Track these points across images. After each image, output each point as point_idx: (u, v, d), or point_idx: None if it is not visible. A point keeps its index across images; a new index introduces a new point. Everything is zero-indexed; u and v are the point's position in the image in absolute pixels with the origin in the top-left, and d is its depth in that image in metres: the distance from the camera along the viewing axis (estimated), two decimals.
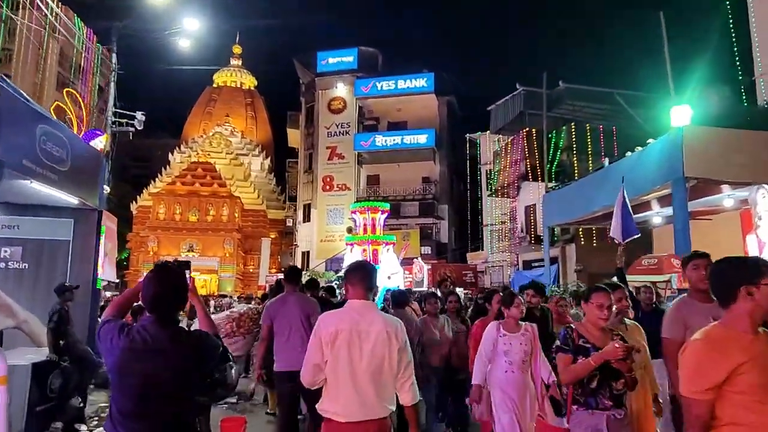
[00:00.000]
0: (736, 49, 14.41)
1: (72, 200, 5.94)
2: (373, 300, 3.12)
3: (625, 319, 4.04)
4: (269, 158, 46.98)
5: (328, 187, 33.83)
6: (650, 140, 9.60)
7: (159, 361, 2.20)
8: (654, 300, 5.89)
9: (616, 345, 2.94)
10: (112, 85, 11.52)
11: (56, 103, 7.88)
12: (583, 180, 13.27)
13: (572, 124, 20.44)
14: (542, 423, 3.88)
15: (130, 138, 11.75)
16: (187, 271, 2.58)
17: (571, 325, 3.31)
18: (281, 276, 6.38)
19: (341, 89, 34.50)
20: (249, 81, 55.28)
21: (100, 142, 8.53)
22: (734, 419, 1.86)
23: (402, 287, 20.16)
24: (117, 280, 12.20)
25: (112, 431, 2.21)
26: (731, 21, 13.92)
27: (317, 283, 7.44)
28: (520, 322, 4.30)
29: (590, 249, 18.99)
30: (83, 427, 5.78)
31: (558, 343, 3.20)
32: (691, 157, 8.31)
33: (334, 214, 33.16)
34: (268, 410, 7.38)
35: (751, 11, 12.82)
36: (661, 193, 9.96)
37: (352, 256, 21.14)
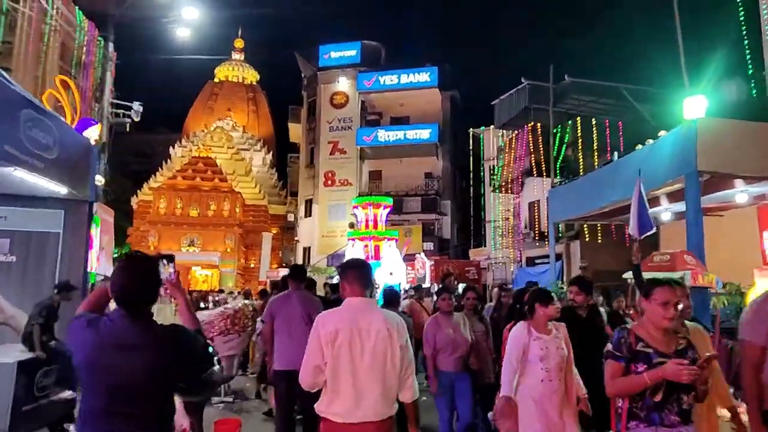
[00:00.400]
0: (746, 42, 14.13)
1: (61, 190, 5.68)
2: (372, 297, 3.01)
3: (686, 321, 3.50)
4: (271, 153, 46.73)
5: (329, 183, 33.56)
6: (662, 132, 9.31)
7: (128, 358, 2.02)
8: None
9: (680, 367, 2.46)
10: (109, 74, 11.24)
11: (50, 91, 7.60)
12: (591, 174, 12.98)
13: (578, 118, 20.15)
14: None
15: (127, 129, 11.51)
16: (171, 264, 2.41)
17: (627, 325, 2.80)
18: (286, 272, 6.30)
19: (343, 83, 34.18)
20: (251, 75, 55.00)
21: (94, 132, 8.29)
22: None
23: (404, 283, 19.95)
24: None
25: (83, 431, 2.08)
26: (742, 14, 13.62)
27: (314, 283, 7.29)
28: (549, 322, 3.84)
29: (595, 246, 18.74)
30: (71, 427, 5.55)
31: (609, 347, 2.72)
32: (705, 151, 8.02)
33: (335, 209, 32.89)
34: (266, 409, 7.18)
35: (763, 6, 12.51)
36: (670, 188, 9.68)
37: (354, 251, 20.91)
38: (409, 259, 21.77)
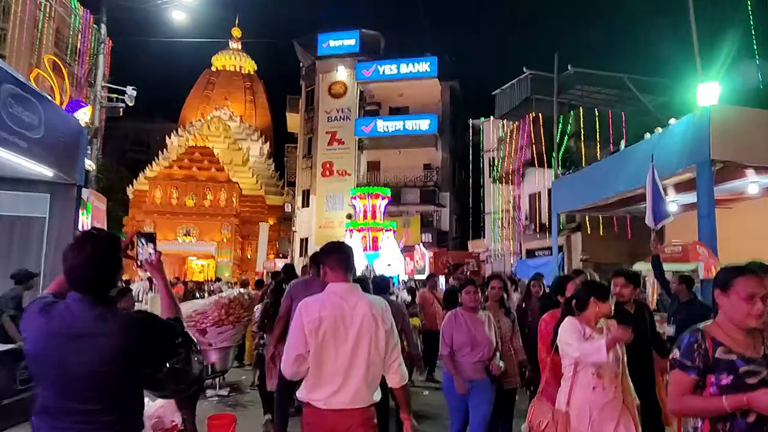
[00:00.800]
0: (753, 33, 13.84)
1: (46, 172, 5.38)
2: (355, 282, 2.91)
3: None
4: (268, 143, 46.32)
5: (327, 173, 33.23)
6: (672, 120, 9.02)
7: (81, 348, 1.77)
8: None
9: None
10: (101, 58, 10.88)
11: (36, 71, 7.27)
12: (597, 164, 12.70)
13: (580, 109, 19.86)
14: None
15: (121, 114, 11.17)
16: (150, 244, 2.15)
17: (700, 326, 2.20)
18: (284, 263, 6.24)
19: (342, 73, 33.77)
20: (248, 65, 54.45)
21: (85, 114, 7.97)
22: None
23: (403, 275, 19.74)
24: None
25: (38, 429, 1.84)
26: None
27: (292, 268, 7.11)
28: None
29: (597, 238, 18.54)
30: None
31: (676, 354, 2.17)
32: (719, 139, 7.75)
33: (333, 200, 32.59)
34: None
35: None
36: (679, 178, 9.41)
37: (352, 242, 20.69)
38: (407, 250, 21.57)
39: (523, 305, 6.57)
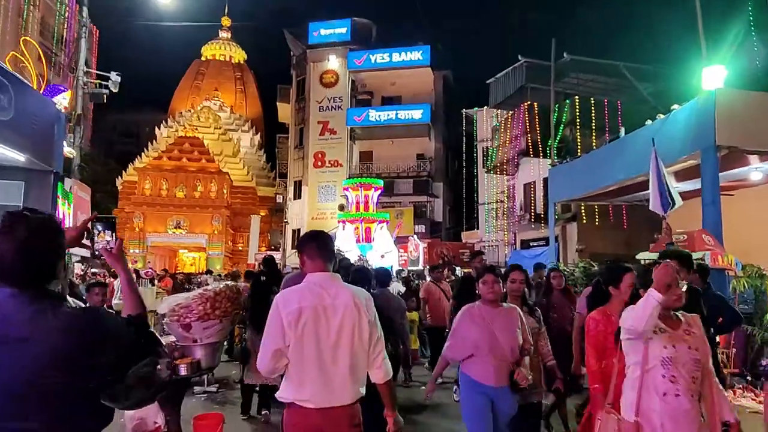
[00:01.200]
0: (752, 18, 13.61)
1: (18, 157, 5.03)
2: (335, 272, 2.79)
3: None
4: (259, 134, 45.81)
5: (319, 164, 32.86)
6: (675, 106, 8.77)
7: (16, 354, 1.45)
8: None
9: None
10: (83, 41, 10.45)
11: (12, 53, 6.89)
12: (595, 152, 12.48)
13: (576, 98, 19.60)
14: None
15: (105, 101, 10.78)
16: (108, 231, 1.85)
17: None
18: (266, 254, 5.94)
19: (333, 62, 33.31)
20: (238, 54, 53.75)
21: (64, 99, 7.60)
22: None
23: (396, 266, 19.47)
24: (89, 254, 11.32)
25: None
26: None
27: (273, 261, 6.92)
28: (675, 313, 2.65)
29: (592, 228, 18.34)
30: None
31: None
32: (724, 124, 7.52)
33: (325, 191, 32.27)
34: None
35: None
36: (681, 166, 9.18)
37: (345, 234, 20.40)
38: (401, 241, 21.33)
39: (544, 301, 5.82)
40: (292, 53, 36.18)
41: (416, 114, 31.20)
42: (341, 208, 26.55)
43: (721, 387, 2.73)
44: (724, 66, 7.90)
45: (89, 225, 1.89)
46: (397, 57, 31.83)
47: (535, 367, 3.91)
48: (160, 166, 35.57)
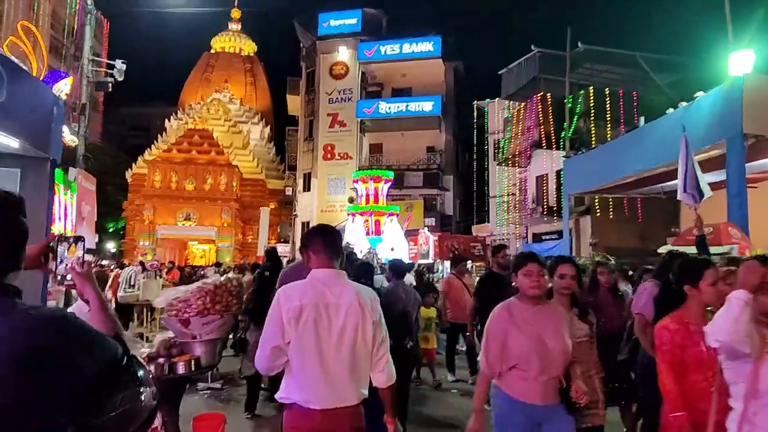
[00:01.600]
0: None
1: (12, 143, 4.80)
2: (341, 268, 2.64)
3: None
4: (269, 126, 45.64)
5: (329, 156, 32.60)
6: (699, 93, 8.41)
7: None
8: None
9: None
10: (87, 28, 10.24)
11: (11, 39, 6.68)
12: (612, 143, 12.12)
13: (590, 88, 19.17)
14: None
15: (109, 89, 10.59)
16: (80, 245, 1.60)
17: None
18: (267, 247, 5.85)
19: (343, 53, 32.97)
20: (248, 46, 53.54)
21: (66, 85, 7.40)
22: None
23: (406, 260, 19.21)
24: (94, 246, 11.18)
25: None
26: None
27: (275, 252, 6.79)
28: None
29: (606, 221, 17.95)
30: None
31: None
32: (752, 111, 7.16)
33: (335, 183, 32.03)
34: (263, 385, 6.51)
35: None
36: (703, 156, 8.81)
37: (354, 226, 20.16)
38: (410, 234, 21.05)
39: (590, 300, 4.79)
40: (301, 45, 35.89)
41: (427, 106, 30.82)
42: (351, 200, 26.31)
43: None
44: (753, 51, 7.52)
45: (53, 244, 1.61)
46: (407, 48, 31.44)
47: (589, 382, 3.16)
48: (170, 159, 35.48)
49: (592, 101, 19.15)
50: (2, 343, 1.15)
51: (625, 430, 4.79)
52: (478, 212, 31.13)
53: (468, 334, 5.91)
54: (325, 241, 2.59)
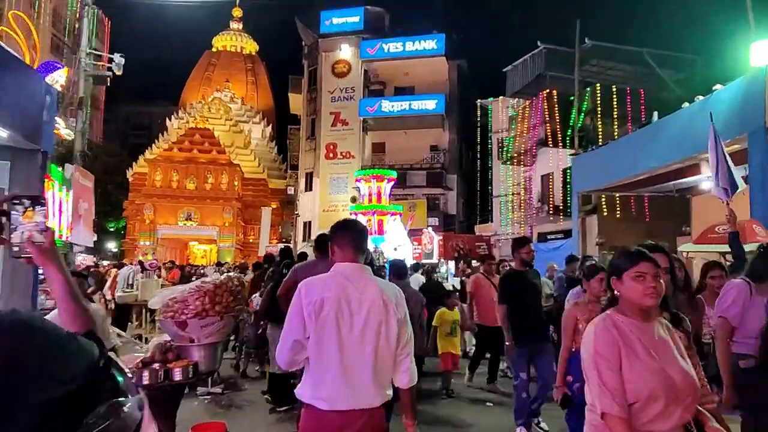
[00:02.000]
0: None
1: (0, 133, 4.52)
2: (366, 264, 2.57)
3: None
4: (270, 126, 45.42)
5: (331, 155, 32.30)
6: (717, 86, 8.11)
7: None
8: None
9: None
10: (85, 21, 9.96)
11: (2, 28, 6.40)
12: (623, 139, 11.83)
13: (597, 86, 18.88)
14: None
15: (108, 84, 10.32)
16: (39, 210, 1.28)
17: None
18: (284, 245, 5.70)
19: (346, 51, 32.68)
20: (250, 45, 53.35)
21: (60, 76, 7.13)
22: None
23: (410, 259, 18.93)
24: (92, 245, 10.89)
25: None
26: None
27: (290, 251, 6.66)
28: None
29: (613, 220, 17.65)
30: None
31: None
32: None
33: (337, 183, 31.73)
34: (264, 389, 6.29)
35: None
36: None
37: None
38: (413, 234, 20.78)
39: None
40: (303, 43, 35.62)
41: (430, 104, 30.53)
42: (353, 200, 26.06)
43: None
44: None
45: (5, 206, 1.31)
46: (410, 46, 31.14)
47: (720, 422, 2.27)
48: (171, 158, 35.26)
49: (598, 98, 18.85)
50: None
51: None
52: (482, 212, 30.85)
53: (508, 344, 5.18)
54: (352, 235, 2.53)
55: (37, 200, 1.33)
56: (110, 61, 10.14)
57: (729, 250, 5.83)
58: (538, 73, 20.45)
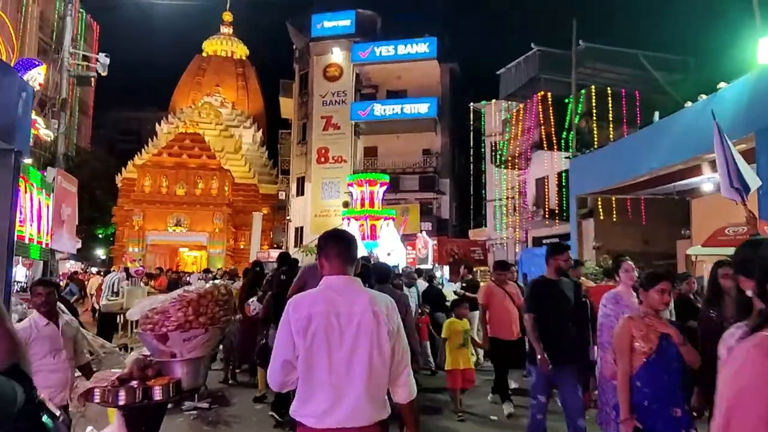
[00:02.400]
0: None
1: None
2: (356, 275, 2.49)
3: None
4: (261, 130, 45.07)
5: (323, 159, 31.96)
6: (722, 84, 7.89)
7: None
8: None
9: None
10: (68, 20, 9.59)
11: None
12: (623, 141, 11.63)
13: (592, 87, 18.73)
14: None
15: (92, 85, 9.95)
16: None
17: None
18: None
19: (337, 55, 32.41)
20: (240, 50, 52.99)
21: (39, 74, 6.78)
22: None
23: (404, 265, 18.63)
24: (75, 252, 10.51)
25: None
26: None
27: (288, 257, 6.52)
28: None
29: (610, 224, 17.49)
30: None
31: None
32: None
33: (329, 187, 31.39)
34: (257, 394, 6.16)
35: None
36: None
37: (349, 231, 19.59)
38: (407, 239, 20.50)
39: (713, 314, 3.68)
40: (294, 47, 35.34)
41: (422, 108, 30.31)
42: (345, 204, 25.75)
43: None
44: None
45: None
46: (402, 49, 30.91)
47: None
48: (160, 163, 34.81)
49: (593, 101, 18.70)
50: None
51: None
52: (475, 216, 30.65)
53: (540, 357, 4.40)
54: (338, 246, 2.43)
55: None
56: (93, 60, 9.80)
57: None
58: (532, 75, 20.29)
